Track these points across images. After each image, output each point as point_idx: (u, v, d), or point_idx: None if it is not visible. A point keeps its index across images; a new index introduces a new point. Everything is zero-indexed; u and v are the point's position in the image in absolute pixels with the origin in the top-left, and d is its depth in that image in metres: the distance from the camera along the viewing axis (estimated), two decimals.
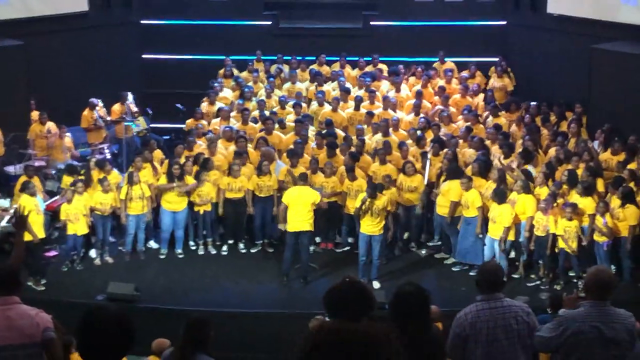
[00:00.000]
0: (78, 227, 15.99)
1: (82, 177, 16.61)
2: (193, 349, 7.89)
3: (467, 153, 17.50)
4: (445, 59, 22.36)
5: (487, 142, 17.94)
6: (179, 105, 21.54)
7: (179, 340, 8.03)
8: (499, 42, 23.14)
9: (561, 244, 15.05)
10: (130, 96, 20.67)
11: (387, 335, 3.22)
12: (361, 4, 24.12)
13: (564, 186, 15.68)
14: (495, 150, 17.43)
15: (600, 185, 15.97)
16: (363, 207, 15.25)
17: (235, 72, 22.32)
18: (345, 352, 3.18)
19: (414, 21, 23.48)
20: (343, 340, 3.23)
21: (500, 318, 6.91)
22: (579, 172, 15.99)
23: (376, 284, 15.28)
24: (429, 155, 16.92)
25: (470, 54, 22.53)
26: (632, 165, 16.22)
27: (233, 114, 19.69)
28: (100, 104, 20.36)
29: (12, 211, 16.03)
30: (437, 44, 22.52)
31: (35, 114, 19.70)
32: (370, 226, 15.40)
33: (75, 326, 4.78)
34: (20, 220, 7.78)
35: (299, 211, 15.56)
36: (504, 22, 23.27)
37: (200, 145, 18.08)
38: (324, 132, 18.51)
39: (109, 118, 20.30)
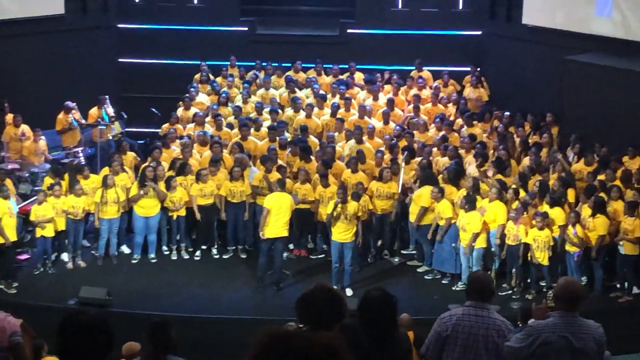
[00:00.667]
0: (46, 229, 15.94)
1: (61, 180, 16.54)
2: (163, 352, 7.90)
3: (441, 162, 17.57)
4: (423, 68, 22.41)
5: (462, 151, 18.03)
6: (154, 110, 21.50)
7: (147, 348, 8.04)
8: (474, 51, 23.24)
9: (535, 253, 15.13)
10: (107, 100, 20.59)
11: (338, 346, 3.24)
12: (338, 12, 24.18)
13: (537, 197, 15.77)
14: (470, 160, 17.51)
15: (571, 195, 16.08)
16: (334, 212, 15.30)
17: (211, 77, 22.32)
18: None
19: (390, 29, 23.56)
20: (293, 348, 3.25)
21: (484, 327, 6.98)
22: (551, 182, 16.10)
23: (349, 291, 15.31)
24: (402, 164, 16.96)
25: (445, 63, 22.61)
26: (602, 177, 16.34)
27: (208, 119, 19.70)
28: (76, 107, 20.28)
29: None
30: (413, 52, 22.59)
31: (9, 117, 19.60)
32: (341, 233, 15.45)
33: (50, 330, 4.77)
34: None
35: (279, 217, 15.59)
36: (480, 32, 23.38)
37: (174, 150, 18.08)
38: (296, 138, 18.55)
39: (84, 121, 20.22)
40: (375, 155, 17.64)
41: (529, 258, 15.27)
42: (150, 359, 7.97)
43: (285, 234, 15.80)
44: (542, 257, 15.06)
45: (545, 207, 15.42)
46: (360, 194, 15.81)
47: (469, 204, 15.31)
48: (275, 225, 15.63)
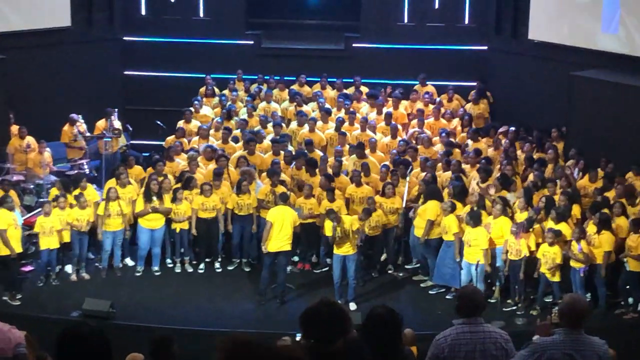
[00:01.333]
0: (51, 241, 15.92)
1: (67, 193, 16.56)
2: None
3: (444, 176, 17.55)
4: (427, 82, 22.43)
5: (467, 167, 18.01)
6: (159, 122, 21.53)
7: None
8: (479, 67, 23.24)
9: (542, 267, 15.07)
10: (115, 113, 20.59)
11: (299, 358, 3.24)
12: (343, 26, 24.22)
13: (542, 212, 15.73)
14: (475, 175, 17.49)
15: (576, 211, 16.04)
16: (336, 235, 15.27)
17: (217, 90, 22.34)
18: None
19: (395, 44, 23.58)
20: (256, 357, 3.24)
21: (480, 343, 6.92)
22: (556, 198, 16.06)
23: (352, 306, 15.28)
24: (406, 179, 16.94)
25: (450, 78, 22.63)
26: (609, 193, 16.31)
27: (212, 132, 19.71)
28: (81, 119, 20.32)
29: None
30: (418, 67, 22.61)
31: (14, 128, 19.65)
32: (343, 247, 15.42)
33: (51, 342, 4.77)
34: None
35: (282, 231, 15.55)
36: (485, 47, 23.39)
37: (179, 163, 18.08)
38: (297, 150, 18.56)
39: (88, 134, 20.23)
40: (380, 169, 17.63)
41: (536, 274, 15.22)
42: None
43: (288, 248, 15.75)
44: (552, 273, 14.99)
45: (550, 223, 15.38)
46: (371, 210, 15.77)
47: (474, 219, 15.27)
48: (278, 239, 15.58)
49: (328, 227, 15.46)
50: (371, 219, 16.11)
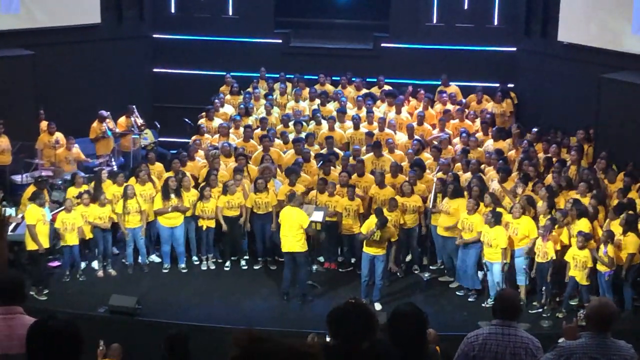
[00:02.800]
0: (71, 237, 16.02)
1: (88, 189, 16.67)
2: None
3: (464, 177, 17.47)
4: (450, 83, 22.37)
5: (489, 167, 17.93)
6: (187, 120, 21.61)
7: (164, 356, 8.09)
8: (508, 68, 23.16)
9: (572, 272, 15.00)
10: (135, 109, 20.71)
11: (313, 355, 3.23)
12: (372, 26, 24.19)
13: (569, 215, 15.63)
14: (493, 175, 17.42)
15: (602, 214, 15.94)
16: (372, 238, 15.26)
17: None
18: None
19: (424, 44, 23.53)
20: (269, 352, 3.24)
21: (511, 346, 6.93)
22: (585, 200, 15.96)
23: (377, 306, 15.26)
24: (436, 180, 16.90)
25: (479, 79, 22.56)
26: (632, 194, 16.22)
27: (232, 130, 19.75)
28: (109, 116, 20.43)
29: (18, 218, 16.11)
30: (447, 67, 22.54)
31: (43, 124, 19.77)
32: (373, 246, 15.42)
33: (89, 339, 4.79)
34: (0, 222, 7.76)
35: (288, 231, 15.55)
36: (514, 49, 23.30)
37: (199, 161, 18.13)
38: (322, 151, 18.54)
39: (117, 130, 20.35)
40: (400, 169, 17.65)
41: (566, 279, 15.13)
42: None
43: (301, 249, 15.64)
44: (580, 276, 14.93)
45: (579, 225, 15.27)
46: (385, 221, 15.43)
47: (495, 218, 15.21)
48: (288, 239, 15.60)
49: (368, 226, 15.43)
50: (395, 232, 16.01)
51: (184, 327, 12.89)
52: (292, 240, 15.54)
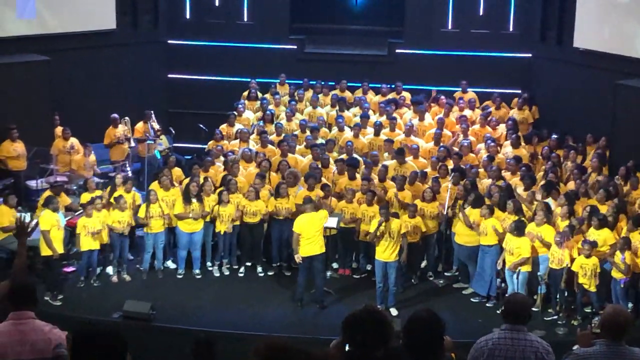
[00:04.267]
0: (91, 242, 16.04)
1: (100, 194, 16.69)
2: None
3: (486, 183, 17.45)
4: (468, 89, 22.35)
5: (507, 174, 17.90)
6: (201, 126, 21.63)
7: None
8: (523, 74, 23.13)
9: (581, 279, 14.94)
10: (152, 115, 20.76)
11: None
12: (387, 32, 24.20)
13: (585, 222, 15.58)
14: (515, 182, 17.38)
15: (623, 221, 15.86)
16: (378, 232, 15.24)
17: (260, 94, 22.42)
18: None
19: (439, 50, 23.53)
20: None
21: (520, 351, 6.91)
22: (603, 208, 15.88)
23: (393, 311, 15.23)
24: (450, 185, 16.88)
25: (494, 85, 22.55)
26: None
27: (253, 136, 19.77)
28: (127, 122, 20.47)
29: (33, 224, 16.09)
30: (462, 73, 22.53)
31: (59, 130, 19.83)
32: (385, 252, 15.39)
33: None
34: (20, 229, 7.79)
35: (310, 237, 15.52)
36: (530, 55, 23.26)
37: (219, 167, 18.15)
38: (344, 157, 18.52)
39: (129, 136, 20.38)
40: (423, 176, 17.61)
41: (575, 284, 15.08)
42: None
43: (321, 250, 15.66)
44: (589, 283, 14.85)
45: (592, 231, 15.22)
46: (387, 210, 15.57)
47: (519, 229, 15.14)
48: (308, 245, 15.56)
49: (374, 224, 15.43)
50: (409, 224, 16.04)
51: (203, 333, 12.86)
52: (314, 243, 15.52)
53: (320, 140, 19.49)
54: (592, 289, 14.88)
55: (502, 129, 20.78)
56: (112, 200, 16.53)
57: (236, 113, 20.87)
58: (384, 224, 15.25)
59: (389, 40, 23.95)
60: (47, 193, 16.37)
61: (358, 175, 17.62)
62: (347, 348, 5.48)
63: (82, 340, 4.71)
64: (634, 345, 6.81)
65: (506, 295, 14.50)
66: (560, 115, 21.71)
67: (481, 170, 18.09)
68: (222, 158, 18.56)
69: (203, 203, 16.59)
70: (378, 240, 15.39)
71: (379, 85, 22.52)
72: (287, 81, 22.88)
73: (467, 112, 21.28)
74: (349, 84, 22.69)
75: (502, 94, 22.28)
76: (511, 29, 23.60)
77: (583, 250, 14.81)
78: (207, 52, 24.09)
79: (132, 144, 20.32)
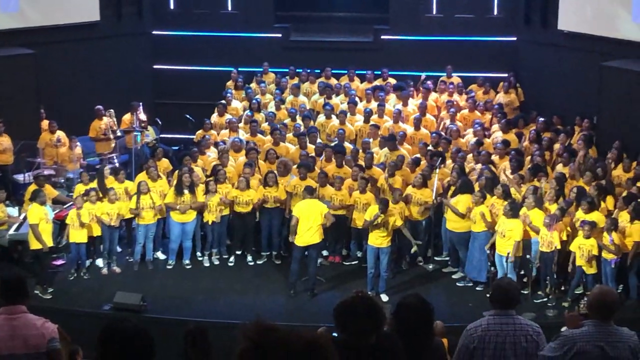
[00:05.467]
0: (80, 234, 16.01)
1: (95, 186, 16.66)
2: (198, 358, 7.94)
3: (475, 168, 17.48)
4: (453, 74, 22.36)
5: (495, 157, 17.94)
6: (188, 116, 21.60)
7: (183, 353, 8.07)
8: (508, 57, 23.14)
9: (579, 260, 14.96)
10: (140, 106, 20.70)
11: (322, 345, 3.21)
12: (372, 18, 24.18)
13: (574, 203, 15.62)
14: (504, 166, 17.41)
15: (610, 202, 15.91)
16: (375, 222, 15.26)
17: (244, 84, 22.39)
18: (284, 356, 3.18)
19: (424, 36, 23.50)
20: (278, 341, 3.22)
21: (510, 335, 6.93)
22: (588, 188, 15.95)
23: (384, 297, 15.27)
24: (436, 170, 16.88)
25: (480, 70, 22.56)
26: None
27: (241, 124, 19.76)
28: (111, 114, 20.42)
29: (21, 218, 16.10)
30: (447, 58, 22.52)
31: (45, 123, 19.77)
32: (378, 238, 15.41)
33: (85, 335, 4.77)
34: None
35: (310, 225, 15.53)
36: (514, 38, 23.27)
37: (209, 156, 18.13)
38: (332, 145, 18.52)
39: (115, 128, 20.34)
40: (410, 162, 17.62)
41: (570, 265, 15.11)
42: None
43: (318, 240, 15.71)
44: (587, 265, 14.89)
45: (580, 214, 15.27)
46: (385, 203, 15.49)
47: (513, 210, 15.16)
48: (307, 233, 15.56)
49: (370, 213, 15.44)
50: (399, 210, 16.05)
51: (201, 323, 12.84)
52: (313, 232, 15.51)
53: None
54: (592, 270, 14.88)
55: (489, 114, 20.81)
56: (99, 192, 16.47)
57: (225, 102, 20.83)
58: (381, 216, 15.25)
59: (375, 27, 23.93)
60: (33, 187, 16.32)
61: (346, 163, 17.62)
62: (333, 335, 5.49)
63: (111, 336, 4.68)
64: (623, 326, 6.84)
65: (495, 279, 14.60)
66: (546, 97, 21.73)
67: (469, 155, 18.09)
68: (212, 148, 18.54)
69: (195, 194, 16.57)
70: (373, 228, 15.41)
71: (365, 72, 22.49)
72: (273, 70, 22.83)
73: (455, 97, 21.28)
74: (335, 71, 22.67)
75: (488, 78, 22.29)
76: (495, 13, 23.60)
77: (583, 230, 14.82)
78: (192, 42, 24.03)
79: (119, 133, 20.29)
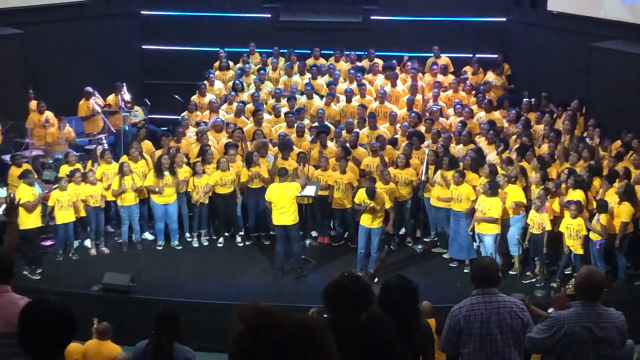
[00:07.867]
0: (66, 215, 15.98)
1: (79, 167, 16.62)
2: (168, 339, 8.00)
3: (456, 148, 17.47)
4: (441, 54, 22.30)
5: (481, 139, 17.95)
6: (177, 97, 21.53)
7: (154, 332, 8.11)
8: (498, 38, 23.09)
9: (567, 241, 14.99)
10: (124, 86, 20.61)
11: (318, 329, 3.21)
12: None
13: (563, 185, 15.63)
14: (487, 147, 17.41)
15: (597, 183, 15.93)
16: (363, 206, 15.27)
17: (232, 64, 22.30)
18: (281, 341, 3.17)
19: (414, 16, 23.40)
20: (276, 327, 3.21)
21: (495, 313, 6.95)
22: (578, 169, 15.96)
23: None
24: (426, 151, 16.87)
25: (469, 50, 22.52)
26: (626, 163, 16.22)
27: (224, 106, 19.70)
28: (97, 94, 20.35)
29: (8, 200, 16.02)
30: (437, 39, 22.46)
31: (33, 103, 19.68)
32: (369, 219, 15.42)
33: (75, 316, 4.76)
34: (11, 208, 7.74)
35: (282, 206, 15.51)
36: (504, 19, 23.21)
37: (190, 137, 18.09)
38: (314, 125, 18.50)
39: (106, 108, 20.27)
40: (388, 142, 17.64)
41: (564, 249, 15.13)
42: (159, 347, 8.04)
43: (292, 222, 15.63)
44: (575, 245, 14.93)
45: (569, 192, 15.29)
46: (373, 188, 15.46)
47: (492, 189, 15.20)
48: (279, 214, 15.58)
49: (359, 197, 15.45)
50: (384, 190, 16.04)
51: (171, 302, 12.82)
52: (286, 213, 15.52)
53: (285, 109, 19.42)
54: (579, 251, 14.92)
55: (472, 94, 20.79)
56: (98, 174, 16.50)
57: (207, 83, 20.77)
58: (371, 203, 15.25)
59: (364, 7, 23.82)
60: (13, 169, 16.29)
61: (330, 143, 17.59)
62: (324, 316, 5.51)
63: (29, 315, 4.67)
64: (610, 306, 6.87)
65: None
66: (535, 79, 21.70)
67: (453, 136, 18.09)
68: (191, 128, 18.51)
69: (176, 175, 16.53)
70: (362, 212, 15.43)
71: (356, 53, 22.41)
72: (261, 50, 22.74)
73: (440, 78, 21.24)
74: (324, 52, 22.60)
75: (478, 60, 22.25)
76: None
77: (570, 210, 14.85)
78: (181, 22, 23.90)
79: (102, 115, 20.20)
